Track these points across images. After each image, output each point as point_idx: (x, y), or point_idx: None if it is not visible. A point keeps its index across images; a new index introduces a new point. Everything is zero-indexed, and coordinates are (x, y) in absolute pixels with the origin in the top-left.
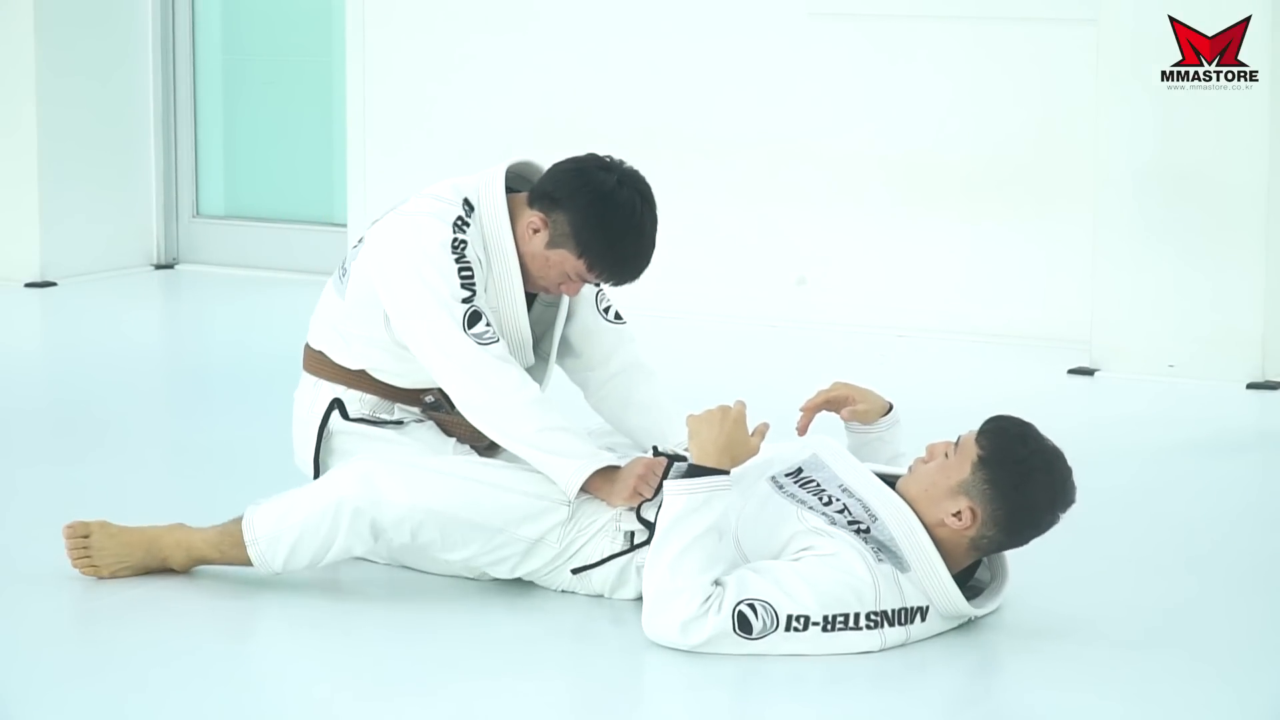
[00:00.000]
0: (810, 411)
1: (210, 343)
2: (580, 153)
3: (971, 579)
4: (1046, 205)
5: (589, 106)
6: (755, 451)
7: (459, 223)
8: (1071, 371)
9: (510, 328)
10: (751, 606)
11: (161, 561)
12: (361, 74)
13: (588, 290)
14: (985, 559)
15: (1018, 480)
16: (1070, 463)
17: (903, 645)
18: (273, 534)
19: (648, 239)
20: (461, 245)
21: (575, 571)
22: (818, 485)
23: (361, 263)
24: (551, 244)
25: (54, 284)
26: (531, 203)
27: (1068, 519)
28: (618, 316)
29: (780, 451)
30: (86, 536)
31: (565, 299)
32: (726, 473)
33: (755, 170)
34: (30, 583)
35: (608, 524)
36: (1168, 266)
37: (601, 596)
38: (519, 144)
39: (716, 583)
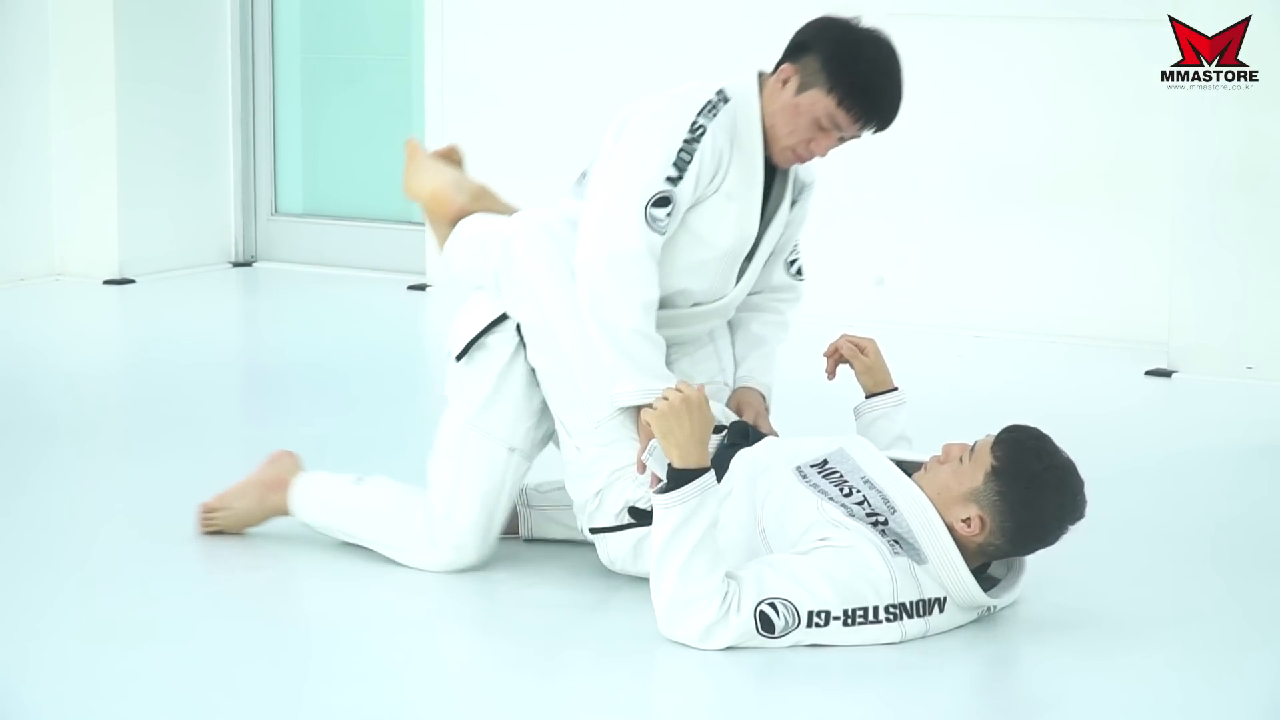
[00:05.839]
0: (834, 357)
1: (287, 340)
2: None
3: (986, 572)
4: (1124, 206)
5: None
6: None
7: (708, 107)
8: (1149, 373)
9: (739, 225)
10: (773, 605)
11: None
12: (440, 72)
13: (786, 244)
14: None
15: (1029, 496)
16: (1145, 463)
17: (923, 637)
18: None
19: (896, 72)
20: (700, 130)
21: (594, 531)
22: (840, 476)
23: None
24: (801, 88)
25: (132, 281)
26: (781, 62)
27: (1138, 519)
28: (799, 272)
29: (809, 443)
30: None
31: (785, 216)
32: (710, 468)
33: (834, 170)
34: (105, 575)
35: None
36: (1246, 267)
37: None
38: (598, 142)
39: (728, 575)
